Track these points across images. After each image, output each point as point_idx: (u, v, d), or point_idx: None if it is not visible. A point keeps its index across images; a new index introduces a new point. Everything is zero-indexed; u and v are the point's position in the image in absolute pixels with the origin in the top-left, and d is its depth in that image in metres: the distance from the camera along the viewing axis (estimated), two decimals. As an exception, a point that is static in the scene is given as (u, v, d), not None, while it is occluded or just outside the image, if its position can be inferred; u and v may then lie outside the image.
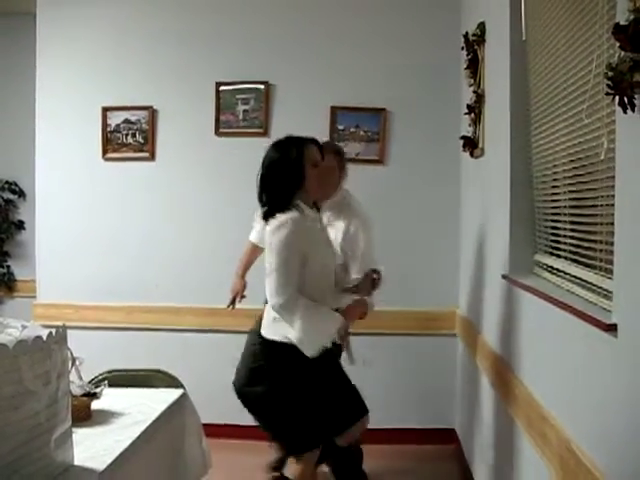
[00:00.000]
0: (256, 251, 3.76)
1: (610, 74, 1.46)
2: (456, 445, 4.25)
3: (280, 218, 2.66)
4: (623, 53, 1.44)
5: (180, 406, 2.55)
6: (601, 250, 1.89)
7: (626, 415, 1.55)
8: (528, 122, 2.80)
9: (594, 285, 1.97)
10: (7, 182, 5.31)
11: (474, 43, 3.62)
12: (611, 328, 1.61)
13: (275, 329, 2.78)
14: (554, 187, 2.50)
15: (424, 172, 4.37)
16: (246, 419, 4.07)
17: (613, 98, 1.49)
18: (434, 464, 4.10)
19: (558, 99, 2.31)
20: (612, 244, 1.70)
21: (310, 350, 2.66)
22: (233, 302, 3.79)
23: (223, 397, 4.05)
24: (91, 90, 4.53)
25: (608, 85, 1.48)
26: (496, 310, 3.16)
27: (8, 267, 5.37)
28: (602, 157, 1.77)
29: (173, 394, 2.57)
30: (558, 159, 2.37)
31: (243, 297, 3.80)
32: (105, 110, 4.50)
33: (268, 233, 2.69)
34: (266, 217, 2.73)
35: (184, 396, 2.61)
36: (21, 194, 5.34)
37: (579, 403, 1.90)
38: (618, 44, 1.46)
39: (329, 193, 3.26)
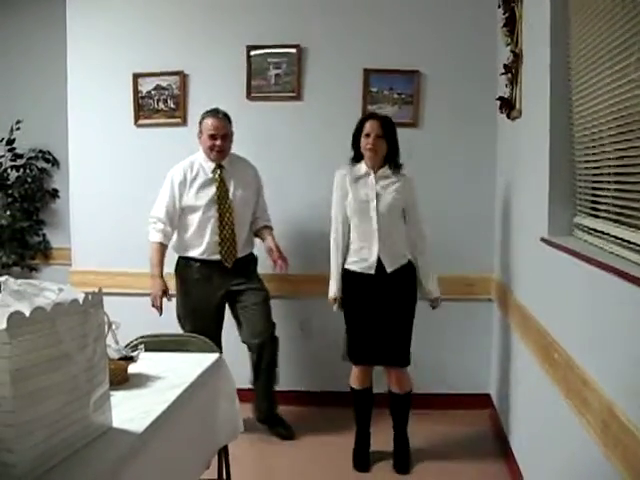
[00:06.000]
0: (164, 250, 3.88)
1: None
2: (491, 410, 4.23)
3: None
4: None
5: (215, 370, 2.54)
6: (648, 209, 1.83)
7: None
8: (569, 80, 2.71)
9: (638, 246, 1.91)
10: (41, 151, 5.32)
11: (511, 1, 3.51)
12: (659, 289, 1.56)
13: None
14: (596, 147, 2.42)
15: (459, 135, 4.29)
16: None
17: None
18: (469, 429, 4.09)
19: (603, 54, 2.22)
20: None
21: None
22: (161, 306, 3.81)
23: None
24: (122, 57, 4.50)
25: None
26: (534, 274, 3.11)
27: (44, 235, 5.41)
28: (651, 112, 1.69)
29: (209, 358, 2.57)
30: (602, 117, 2.28)
31: (170, 296, 3.85)
32: (136, 77, 4.48)
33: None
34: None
35: (219, 360, 2.61)
36: (55, 163, 5.35)
37: (623, 367, 1.85)
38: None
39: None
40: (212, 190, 3.83)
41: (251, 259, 4.01)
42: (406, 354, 3.56)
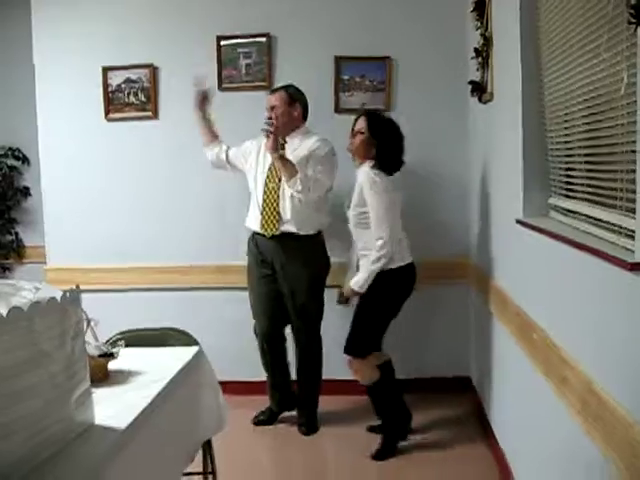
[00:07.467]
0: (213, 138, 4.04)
1: (634, 1, 1.39)
2: (472, 392, 4.27)
3: None
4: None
5: (196, 363, 2.54)
6: (622, 189, 1.84)
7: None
8: (540, 62, 2.73)
9: (614, 225, 1.93)
10: (10, 148, 5.23)
11: (480, -16, 3.52)
12: (635, 267, 1.58)
13: None
14: (568, 127, 2.44)
15: (431, 119, 4.29)
16: (256, 375, 4.09)
17: (636, 28, 1.43)
18: (450, 412, 4.12)
19: (573, 35, 2.24)
20: (633, 181, 1.65)
21: None
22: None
23: (235, 354, 4.08)
24: (90, 50, 4.43)
25: (631, 14, 1.41)
26: (511, 256, 3.13)
27: (17, 234, 5.34)
28: (622, 92, 1.71)
29: (189, 352, 2.56)
30: (573, 98, 2.30)
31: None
32: (105, 70, 4.42)
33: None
34: None
35: (200, 353, 2.60)
36: (25, 160, 5.27)
37: (600, 344, 1.87)
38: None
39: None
40: (268, 161, 3.83)
41: (304, 240, 3.84)
42: (353, 343, 3.59)
